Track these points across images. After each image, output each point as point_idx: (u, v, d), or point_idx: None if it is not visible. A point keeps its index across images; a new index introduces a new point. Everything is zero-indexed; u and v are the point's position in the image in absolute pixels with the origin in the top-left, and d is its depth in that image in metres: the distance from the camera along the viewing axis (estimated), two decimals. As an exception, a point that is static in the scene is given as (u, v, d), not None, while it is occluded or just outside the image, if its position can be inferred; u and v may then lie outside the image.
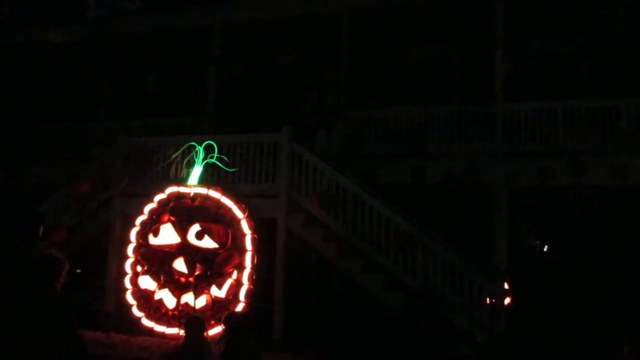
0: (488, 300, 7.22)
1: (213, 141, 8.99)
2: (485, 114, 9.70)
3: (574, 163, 8.98)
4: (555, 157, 9.15)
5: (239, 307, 8.30)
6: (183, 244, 8.53)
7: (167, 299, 8.57)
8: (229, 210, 8.57)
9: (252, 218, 8.55)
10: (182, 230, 8.56)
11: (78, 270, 10.47)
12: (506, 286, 7.58)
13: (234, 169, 8.74)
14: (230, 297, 8.37)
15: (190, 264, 8.42)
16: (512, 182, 9.46)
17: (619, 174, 8.77)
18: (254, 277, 8.40)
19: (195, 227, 8.45)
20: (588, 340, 7.18)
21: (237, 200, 8.61)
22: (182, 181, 8.97)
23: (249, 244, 8.43)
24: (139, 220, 8.96)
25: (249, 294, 8.36)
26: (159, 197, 8.92)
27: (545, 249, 10.82)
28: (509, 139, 9.49)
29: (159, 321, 8.62)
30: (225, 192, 8.65)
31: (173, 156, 9.12)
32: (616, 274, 9.04)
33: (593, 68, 10.53)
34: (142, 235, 8.90)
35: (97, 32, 12.27)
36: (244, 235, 8.47)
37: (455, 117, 9.84)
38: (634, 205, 9.51)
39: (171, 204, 8.80)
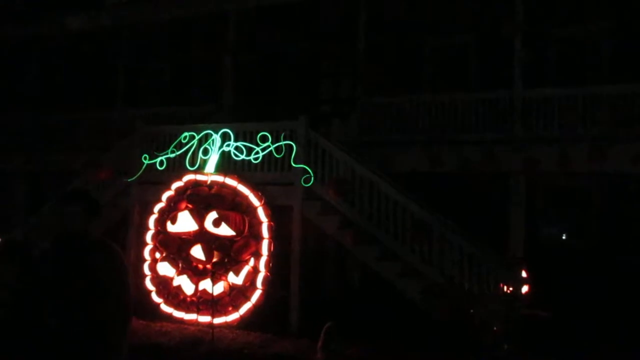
0: (505, 289, 7.19)
1: (229, 129, 9.03)
2: (503, 100, 9.59)
3: (593, 149, 8.85)
4: (575, 144, 9.04)
5: (256, 294, 8.39)
6: (200, 231, 8.61)
7: (186, 285, 8.68)
8: (246, 198, 8.61)
9: (268, 206, 8.59)
10: (199, 217, 8.63)
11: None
12: (524, 274, 7.53)
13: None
14: (248, 284, 8.45)
15: (207, 251, 8.50)
16: (530, 169, 9.37)
17: (641, 161, 8.63)
18: (270, 264, 8.47)
19: (213, 215, 8.52)
20: (603, 330, 7.13)
21: (254, 188, 8.64)
22: (199, 169, 9.03)
23: (265, 232, 8.48)
24: (157, 207, 9.05)
25: (265, 281, 8.43)
26: (177, 184, 8.99)
27: (563, 237, 10.71)
28: (527, 125, 9.38)
29: (177, 307, 8.74)
30: (241, 180, 8.69)
31: (190, 144, 9.18)
32: (637, 265, 8.92)
33: (614, 53, 10.32)
34: (161, 223, 9.00)
35: (114, 20, 12.32)
36: (260, 222, 8.52)
37: (472, 104, 9.74)
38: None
39: (188, 192, 8.87)
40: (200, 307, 8.49)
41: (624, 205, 9.88)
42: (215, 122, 9.73)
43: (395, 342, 7.16)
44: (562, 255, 9.75)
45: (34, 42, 13.39)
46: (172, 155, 9.32)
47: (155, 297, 8.92)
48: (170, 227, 8.82)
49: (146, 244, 9.08)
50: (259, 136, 8.81)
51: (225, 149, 8.99)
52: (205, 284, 8.43)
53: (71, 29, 12.57)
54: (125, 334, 3.27)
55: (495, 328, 6.72)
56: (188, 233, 8.72)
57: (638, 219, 9.62)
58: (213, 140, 9.07)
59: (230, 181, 8.71)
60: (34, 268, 3.28)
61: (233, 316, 8.42)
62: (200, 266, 8.62)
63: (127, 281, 3.34)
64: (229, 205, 8.62)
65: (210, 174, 8.90)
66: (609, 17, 10.20)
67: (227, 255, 8.51)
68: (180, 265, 8.79)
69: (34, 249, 3.59)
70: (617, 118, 8.87)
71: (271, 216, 8.57)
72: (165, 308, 8.82)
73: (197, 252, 8.57)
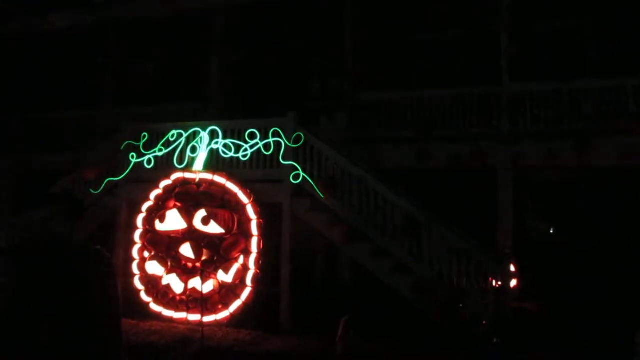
0: (494, 283, 7.23)
1: (217, 126, 8.98)
2: (491, 96, 9.63)
3: (579, 143, 8.92)
4: (561, 138, 9.11)
5: (246, 292, 8.37)
6: (189, 229, 8.57)
7: (175, 284, 8.64)
8: (235, 195, 8.58)
9: (257, 203, 8.56)
10: (188, 216, 8.59)
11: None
12: (512, 268, 7.58)
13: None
14: (237, 282, 8.43)
15: (196, 249, 8.46)
16: (517, 164, 9.42)
17: (627, 154, 8.71)
18: (260, 261, 8.45)
19: (201, 213, 8.47)
20: (591, 324, 7.19)
21: (243, 185, 8.61)
22: (187, 167, 8.98)
23: (254, 229, 8.46)
24: (145, 206, 8.99)
25: (255, 279, 8.41)
26: (165, 183, 8.94)
27: (551, 231, 10.79)
28: (514, 120, 9.43)
29: (167, 306, 8.69)
30: (230, 177, 8.66)
31: (178, 142, 9.13)
32: (625, 258, 9.00)
33: (600, 47, 10.39)
34: (149, 221, 8.95)
35: (99, 18, 12.20)
36: (249, 220, 8.50)
37: (460, 100, 9.78)
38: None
39: (177, 190, 8.82)
40: (190, 306, 8.45)
41: (610, 199, 9.96)
42: (203, 119, 9.68)
43: (390, 339, 7.16)
44: (550, 249, 9.83)
45: (19, 40, 13.24)
46: (160, 154, 9.26)
47: (144, 296, 8.87)
48: (159, 226, 8.77)
49: (135, 243, 9.02)
50: (247, 133, 8.78)
51: (214, 146, 8.95)
52: (195, 283, 8.39)
53: (56, 27, 12.43)
54: (120, 334, 3.24)
55: (484, 322, 6.76)
56: (177, 231, 8.68)
57: (623, 212, 9.71)
58: (201, 138, 9.03)
59: (219, 179, 8.67)
60: (21, 272, 3.23)
61: (223, 314, 8.39)
62: (190, 264, 8.58)
63: (115, 283, 3.30)
64: (218, 203, 8.58)
65: (198, 172, 8.86)
66: (595, 11, 10.27)
67: (216, 253, 8.48)
68: (169, 263, 8.74)
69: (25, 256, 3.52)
70: (603, 112, 8.94)
71: (260, 213, 8.55)
72: (155, 307, 8.77)
73: (186, 250, 8.52)
